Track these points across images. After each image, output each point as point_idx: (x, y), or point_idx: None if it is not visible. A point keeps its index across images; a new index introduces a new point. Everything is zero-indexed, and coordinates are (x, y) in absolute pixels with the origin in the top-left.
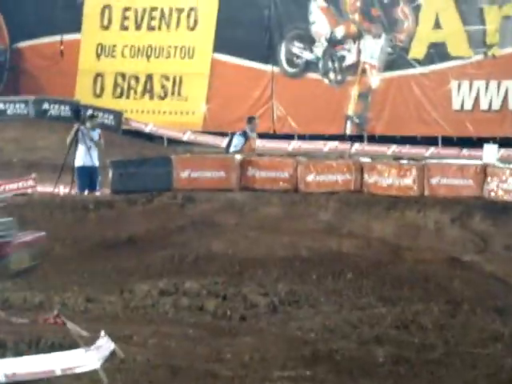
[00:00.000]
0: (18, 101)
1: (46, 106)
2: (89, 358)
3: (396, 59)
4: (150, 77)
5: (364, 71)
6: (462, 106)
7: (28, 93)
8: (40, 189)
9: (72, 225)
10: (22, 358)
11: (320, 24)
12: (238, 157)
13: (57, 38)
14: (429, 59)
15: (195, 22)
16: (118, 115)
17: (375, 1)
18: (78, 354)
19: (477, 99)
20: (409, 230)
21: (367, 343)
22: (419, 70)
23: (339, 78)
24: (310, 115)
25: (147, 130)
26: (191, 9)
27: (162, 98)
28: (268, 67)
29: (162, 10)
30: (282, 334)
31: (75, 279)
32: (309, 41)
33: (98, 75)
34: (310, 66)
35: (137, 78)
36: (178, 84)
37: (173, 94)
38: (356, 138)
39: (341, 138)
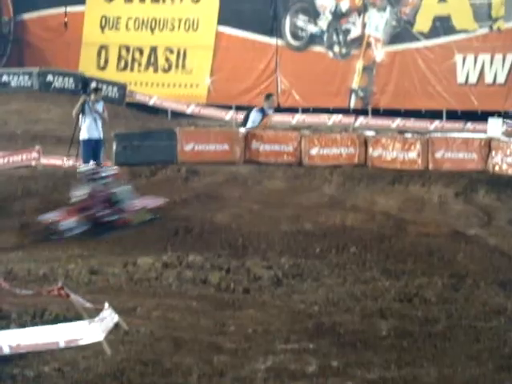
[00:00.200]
0: (22, 73)
1: (49, 78)
2: (92, 330)
3: (401, 32)
4: (154, 49)
5: (369, 44)
6: (467, 79)
7: (32, 65)
8: (44, 161)
9: None
10: (25, 329)
11: None
12: (243, 130)
13: (61, 9)
14: (434, 32)
15: None
16: (122, 88)
17: None
18: (82, 325)
19: (481, 73)
20: (413, 204)
21: (370, 316)
22: (424, 43)
23: (344, 51)
24: (315, 88)
25: (151, 102)
26: None
27: (166, 71)
28: (272, 40)
29: None
30: (285, 306)
31: (79, 251)
32: (313, 14)
33: (102, 47)
34: (314, 39)
35: (141, 51)
36: (182, 57)
37: (177, 66)
38: (360, 112)
39: (345, 111)
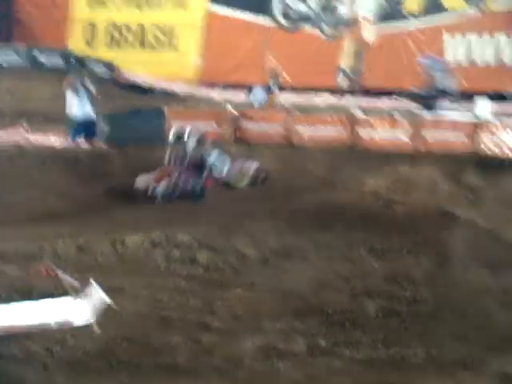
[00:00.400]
0: (10, 50)
1: (37, 55)
2: (81, 309)
3: (390, 12)
4: (142, 27)
5: (358, 24)
6: (456, 59)
7: (21, 42)
8: (32, 138)
9: (63, 175)
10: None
11: None
12: (232, 109)
13: None
14: (423, 12)
15: None
16: (110, 66)
17: None
18: (70, 304)
19: (470, 53)
20: (401, 185)
21: (358, 296)
22: (413, 22)
23: (333, 31)
24: (303, 68)
25: (139, 81)
26: None
27: (155, 49)
28: (262, 19)
29: None
30: (273, 286)
31: (67, 229)
32: None
33: (90, 25)
34: (303, 18)
35: (129, 29)
36: (171, 35)
37: (166, 45)
38: (349, 92)
39: (334, 91)
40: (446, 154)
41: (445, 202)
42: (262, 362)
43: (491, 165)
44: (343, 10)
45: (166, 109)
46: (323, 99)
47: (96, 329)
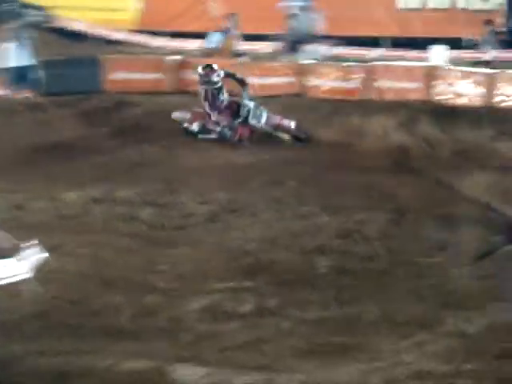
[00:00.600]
0: None
1: None
2: (20, 267)
3: None
4: None
5: None
6: (408, 4)
7: None
8: None
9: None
10: None
11: None
12: (174, 58)
13: None
14: None
15: None
16: (44, 11)
17: None
18: (9, 262)
19: None
20: (353, 136)
21: (309, 253)
22: None
23: None
24: (251, 13)
25: (75, 27)
26: None
27: None
28: None
29: None
30: (220, 243)
31: (2, 186)
32: None
33: None
34: None
35: None
36: None
37: None
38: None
39: (282, 38)
40: (400, 103)
41: (399, 153)
42: (209, 324)
43: (447, 114)
44: None
45: (101, 57)
46: (272, 46)
47: (35, 288)
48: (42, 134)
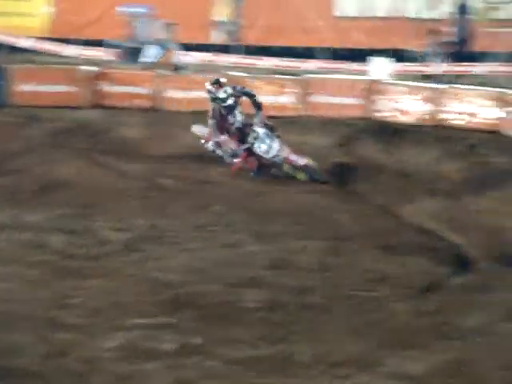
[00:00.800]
0: None
1: None
2: None
3: None
4: None
5: None
6: (346, 12)
7: None
8: None
9: None
10: None
11: None
12: (90, 69)
13: None
14: None
15: None
16: None
17: None
18: None
19: (364, 5)
20: None
21: (238, 286)
22: None
23: None
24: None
25: None
26: None
27: None
28: None
29: None
30: (139, 275)
31: None
32: None
33: None
34: None
35: None
36: None
37: None
38: (227, 49)
39: (208, 48)
40: (337, 119)
41: (336, 175)
42: (125, 364)
43: (388, 132)
44: None
45: (8, 67)
46: (195, 57)
47: None
48: None
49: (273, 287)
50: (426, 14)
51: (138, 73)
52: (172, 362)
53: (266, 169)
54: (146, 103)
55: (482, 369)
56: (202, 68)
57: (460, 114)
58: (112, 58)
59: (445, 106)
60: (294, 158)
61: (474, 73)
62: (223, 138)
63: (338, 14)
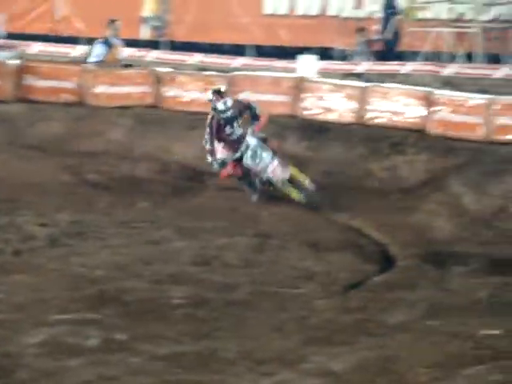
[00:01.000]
0: None
1: None
2: None
3: None
4: None
5: None
6: (276, 10)
7: None
8: None
9: None
10: None
11: None
12: (13, 62)
13: None
14: None
15: None
16: None
17: None
18: None
19: (292, 2)
20: None
21: (162, 282)
22: None
23: None
24: (99, 15)
25: None
26: None
27: None
28: None
29: None
30: (62, 270)
31: None
32: None
33: None
34: None
35: None
36: None
37: None
38: (154, 44)
39: (135, 43)
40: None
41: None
42: (48, 360)
43: (314, 130)
44: None
45: None
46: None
47: None
48: None
49: (198, 283)
50: (354, 13)
51: (64, 67)
52: (96, 358)
53: (254, 179)
54: (72, 98)
55: (405, 366)
56: (132, 63)
57: (385, 112)
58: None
59: (370, 104)
60: (276, 170)
61: (400, 71)
62: (216, 146)
63: (267, 11)
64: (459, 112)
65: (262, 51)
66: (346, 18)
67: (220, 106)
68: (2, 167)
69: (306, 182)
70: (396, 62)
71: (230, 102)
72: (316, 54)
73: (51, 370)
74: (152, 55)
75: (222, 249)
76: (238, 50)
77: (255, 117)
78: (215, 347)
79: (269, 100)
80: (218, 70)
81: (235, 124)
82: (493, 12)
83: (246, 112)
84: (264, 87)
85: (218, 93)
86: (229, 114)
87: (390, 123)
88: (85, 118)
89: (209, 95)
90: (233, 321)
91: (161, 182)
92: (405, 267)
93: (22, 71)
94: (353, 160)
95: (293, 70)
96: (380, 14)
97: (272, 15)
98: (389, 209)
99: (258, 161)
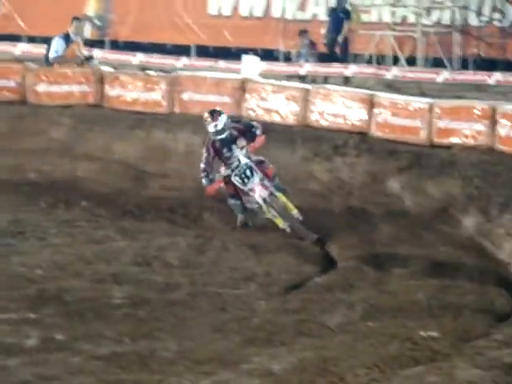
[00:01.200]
0: None
1: None
2: None
3: None
4: None
5: None
6: (220, 10)
7: None
8: None
9: None
10: None
11: None
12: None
13: None
14: None
15: None
16: None
17: None
18: None
19: (237, 3)
20: (155, 153)
21: (103, 282)
22: None
23: None
24: (41, 14)
25: None
26: None
27: None
28: None
29: None
30: (2, 270)
31: None
32: None
33: None
34: None
35: None
36: None
37: None
38: (96, 44)
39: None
40: None
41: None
42: None
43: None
44: None
45: None
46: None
47: None
48: None
49: (138, 283)
50: (299, 15)
51: (5, 65)
52: (35, 358)
53: (244, 199)
54: (13, 96)
55: (344, 367)
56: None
57: (328, 114)
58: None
59: (313, 105)
60: (261, 193)
61: (344, 74)
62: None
63: (211, 12)
64: (401, 115)
65: (206, 52)
66: (291, 21)
67: (210, 128)
68: None
69: (294, 212)
70: (339, 65)
71: (221, 125)
72: (260, 55)
73: None
74: (95, 54)
75: (163, 249)
76: (181, 50)
77: (252, 138)
78: (155, 347)
79: (212, 101)
80: (161, 70)
81: (234, 146)
82: (434, 16)
83: (247, 134)
84: (207, 88)
85: (211, 114)
86: (223, 135)
87: (333, 125)
88: (26, 117)
89: (204, 116)
90: (173, 321)
91: (102, 181)
92: (345, 269)
93: None
94: (295, 162)
95: (236, 71)
96: (325, 17)
97: (216, 16)
98: (330, 211)
99: (246, 181)
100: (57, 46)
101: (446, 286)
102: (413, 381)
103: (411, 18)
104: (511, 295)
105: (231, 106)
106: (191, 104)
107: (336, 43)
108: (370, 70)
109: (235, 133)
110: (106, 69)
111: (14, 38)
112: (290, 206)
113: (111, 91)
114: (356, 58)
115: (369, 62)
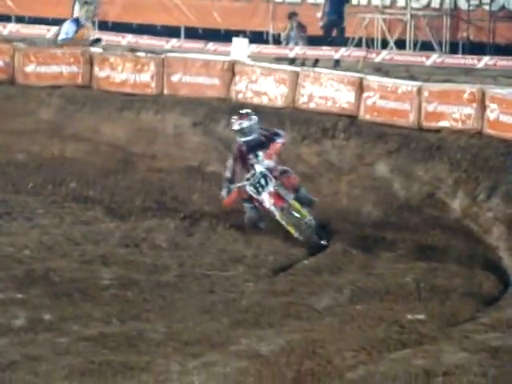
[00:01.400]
0: None
1: None
2: None
3: None
4: None
5: None
6: None
7: None
8: None
9: None
10: None
11: None
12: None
13: None
14: None
15: None
16: None
17: None
18: None
19: None
20: (144, 134)
21: (91, 263)
22: None
23: None
24: None
25: None
26: None
27: None
28: None
29: None
30: None
31: None
32: None
33: None
34: None
35: None
36: None
37: None
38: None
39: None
40: (197, 99)
41: (193, 155)
42: None
43: None
44: None
45: None
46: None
47: None
48: None
49: (127, 265)
50: None
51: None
52: (22, 338)
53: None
54: (2, 76)
55: (332, 349)
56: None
57: (317, 97)
58: None
59: (302, 88)
60: (271, 200)
61: (334, 57)
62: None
63: None
64: (390, 98)
65: (195, 33)
66: (281, 3)
67: (235, 125)
68: None
69: (307, 218)
70: (329, 48)
71: (246, 125)
72: (250, 37)
73: None
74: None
75: (152, 231)
76: (170, 32)
77: (275, 148)
78: (143, 328)
79: (201, 82)
80: (150, 52)
81: (260, 153)
82: (424, 0)
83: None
84: (197, 70)
85: (239, 113)
86: (248, 137)
87: (322, 108)
88: (15, 97)
89: (232, 119)
90: (161, 303)
91: (91, 162)
92: (333, 252)
93: None
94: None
95: (226, 53)
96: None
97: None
98: (318, 193)
99: (260, 190)
100: (68, 28)
101: (434, 269)
102: (400, 364)
103: (401, 1)
104: (499, 279)
105: (220, 88)
106: (180, 86)
107: (333, 26)
108: (358, 53)
109: (263, 138)
110: (95, 50)
111: (4, 19)
112: (304, 212)
113: (100, 72)
114: (346, 41)
115: (358, 45)
